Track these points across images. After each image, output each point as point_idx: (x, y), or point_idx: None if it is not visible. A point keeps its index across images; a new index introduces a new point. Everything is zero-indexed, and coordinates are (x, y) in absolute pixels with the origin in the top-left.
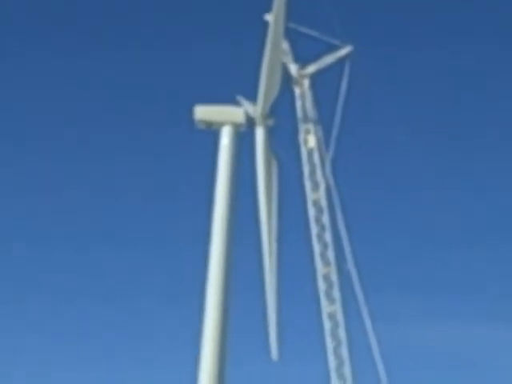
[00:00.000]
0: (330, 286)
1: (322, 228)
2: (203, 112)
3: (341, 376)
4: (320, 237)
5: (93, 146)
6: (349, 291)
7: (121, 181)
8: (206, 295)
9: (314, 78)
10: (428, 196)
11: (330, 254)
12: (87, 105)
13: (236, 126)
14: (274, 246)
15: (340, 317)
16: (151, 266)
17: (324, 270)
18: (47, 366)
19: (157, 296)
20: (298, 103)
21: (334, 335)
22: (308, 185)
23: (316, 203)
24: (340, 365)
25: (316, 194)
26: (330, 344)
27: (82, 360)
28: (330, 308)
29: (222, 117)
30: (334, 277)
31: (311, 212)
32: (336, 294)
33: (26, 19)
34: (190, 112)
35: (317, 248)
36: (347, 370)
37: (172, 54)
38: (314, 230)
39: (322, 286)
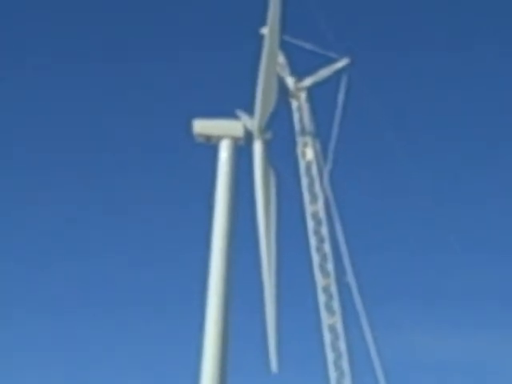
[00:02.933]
0: (329, 297)
1: (320, 240)
2: (202, 126)
3: None
4: (319, 249)
5: (93, 158)
6: (349, 303)
7: (120, 195)
8: (207, 308)
9: (310, 90)
10: (427, 205)
11: (330, 265)
12: (84, 119)
13: (235, 140)
14: (273, 258)
15: (340, 328)
16: (151, 276)
17: (323, 281)
18: (46, 370)
19: (155, 305)
20: (296, 116)
21: (335, 347)
22: (306, 197)
23: (315, 215)
24: (340, 377)
25: (314, 207)
26: (330, 356)
27: (81, 364)
28: (331, 320)
29: (221, 131)
30: (334, 288)
31: (310, 224)
32: (336, 305)
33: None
34: (189, 126)
35: (316, 260)
36: (348, 382)
37: (169, 69)
38: (313, 242)
39: (321, 297)
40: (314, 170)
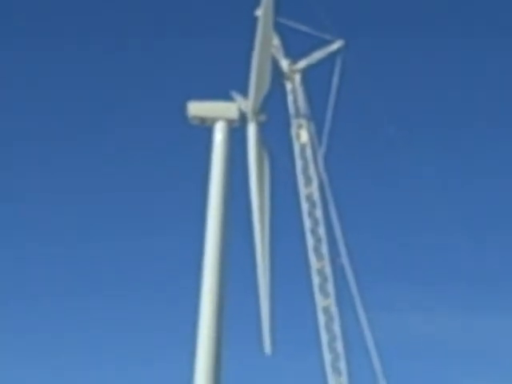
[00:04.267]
0: (324, 279)
1: (315, 222)
2: (196, 108)
3: (336, 370)
4: (313, 231)
5: (86, 144)
6: (343, 285)
7: (114, 177)
8: (201, 288)
9: (305, 73)
10: (421, 186)
11: (324, 248)
12: (79, 101)
13: (229, 122)
14: (267, 240)
15: (334, 311)
16: (144, 260)
17: (318, 264)
18: (46, 365)
19: (151, 292)
20: (290, 98)
21: (329, 329)
22: (301, 179)
23: (309, 198)
24: (335, 359)
25: (309, 189)
26: (324, 338)
27: (79, 357)
28: (325, 302)
29: (216, 113)
30: (328, 271)
31: (304, 206)
32: (330, 287)
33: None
34: (183, 108)
35: (310, 242)
36: (342, 364)
37: (163, 52)
38: (308, 224)
39: (316, 280)
40: (309, 153)
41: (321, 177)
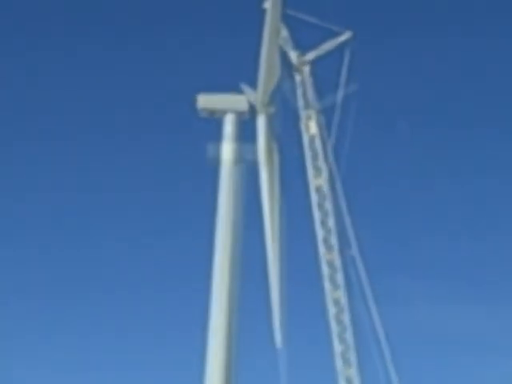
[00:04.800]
0: (334, 271)
1: (325, 214)
2: (206, 100)
3: (346, 361)
4: (323, 223)
5: (96, 137)
6: (354, 276)
7: (124, 171)
8: (213, 283)
9: (314, 64)
10: (432, 182)
11: (334, 239)
12: (89, 96)
13: (239, 114)
14: (278, 233)
15: (344, 302)
16: (154, 258)
17: (328, 255)
18: (48, 366)
19: (162, 282)
20: (299, 90)
21: (339, 321)
22: (310, 171)
23: (319, 189)
24: (345, 350)
25: (318, 180)
26: (335, 330)
27: (91, 359)
28: (335, 294)
29: (225, 105)
30: (338, 262)
31: (314, 198)
32: (340, 279)
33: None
34: (193, 101)
35: (320, 234)
36: (353, 356)
37: (172, 44)
38: (317, 216)
39: (326, 271)
40: (318, 144)
41: (330, 168)
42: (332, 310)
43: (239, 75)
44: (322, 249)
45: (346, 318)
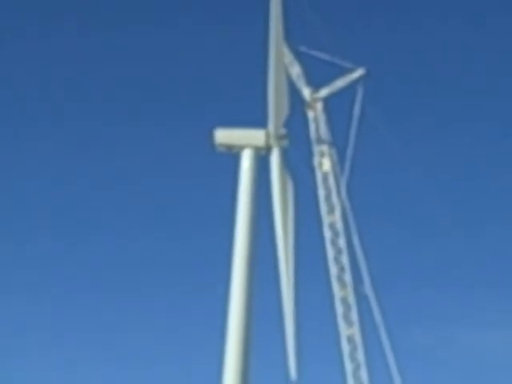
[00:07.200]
0: (347, 308)
1: (338, 251)
2: (223, 135)
3: None
4: (337, 260)
5: (114, 167)
6: (367, 313)
7: (143, 204)
8: (228, 315)
9: (327, 101)
10: (445, 213)
11: (347, 276)
12: (106, 126)
13: (257, 149)
14: (291, 268)
15: (358, 339)
16: (173, 280)
17: (341, 292)
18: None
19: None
20: (312, 126)
21: (353, 357)
22: (323, 208)
23: (332, 226)
24: None
25: (331, 217)
26: (349, 366)
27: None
28: (349, 331)
29: (243, 140)
30: (352, 299)
31: (327, 235)
32: (354, 316)
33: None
34: (210, 135)
35: (333, 271)
36: None
37: (190, 82)
38: (331, 252)
39: (339, 309)
40: (331, 181)
41: (343, 204)
42: (346, 347)
43: (255, 109)
44: (335, 286)
45: (360, 354)
